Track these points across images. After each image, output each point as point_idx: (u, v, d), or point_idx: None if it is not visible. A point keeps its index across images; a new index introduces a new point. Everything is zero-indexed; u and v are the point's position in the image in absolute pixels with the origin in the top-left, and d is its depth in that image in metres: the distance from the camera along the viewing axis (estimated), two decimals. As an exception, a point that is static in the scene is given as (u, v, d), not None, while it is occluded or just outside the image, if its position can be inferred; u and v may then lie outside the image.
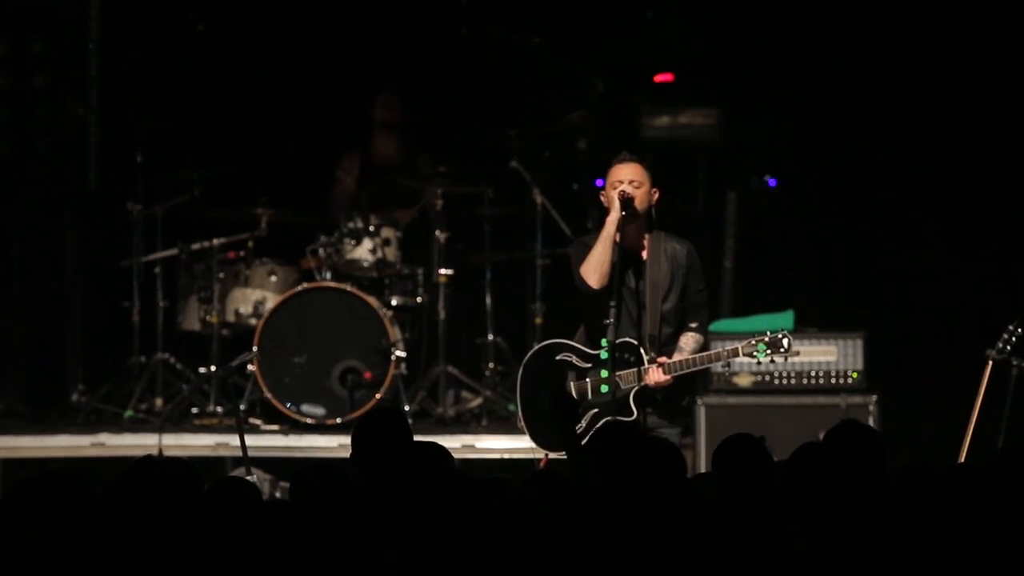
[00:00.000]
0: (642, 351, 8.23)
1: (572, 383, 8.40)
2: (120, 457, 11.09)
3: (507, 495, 5.83)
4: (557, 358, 8.46)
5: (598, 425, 8.28)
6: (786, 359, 8.44)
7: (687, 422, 8.63)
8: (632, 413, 8.23)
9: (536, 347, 8.69)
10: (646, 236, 8.42)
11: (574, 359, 8.41)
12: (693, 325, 8.45)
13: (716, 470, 6.14)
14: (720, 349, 8.50)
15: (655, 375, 8.23)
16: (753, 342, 8.35)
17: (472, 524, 5.76)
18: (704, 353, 8.50)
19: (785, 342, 8.35)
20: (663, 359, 8.29)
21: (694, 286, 8.45)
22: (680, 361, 8.31)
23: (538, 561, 5.63)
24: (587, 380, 8.36)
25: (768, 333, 8.38)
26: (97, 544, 5.61)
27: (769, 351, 8.34)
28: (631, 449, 6.08)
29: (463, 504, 5.85)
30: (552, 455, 8.53)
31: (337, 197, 12.55)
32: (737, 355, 8.40)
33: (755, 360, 8.40)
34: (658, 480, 5.90)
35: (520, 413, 8.57)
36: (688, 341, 8.43)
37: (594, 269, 8.26)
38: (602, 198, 8.41)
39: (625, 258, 8.28)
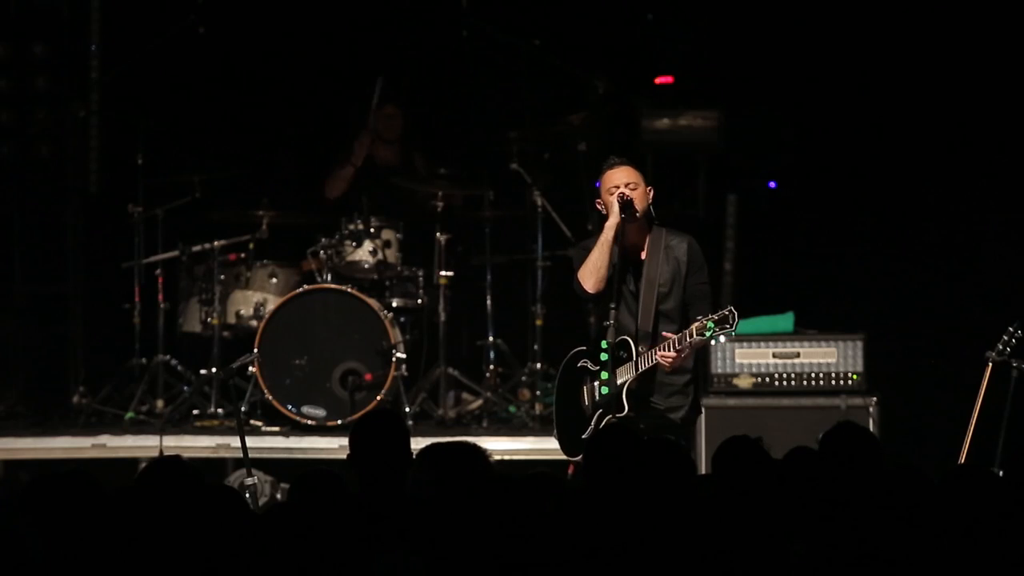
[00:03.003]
0: (632, 344, 8.24)
1: (584, 388, 8.44)
2: (121, 459, 11.11)
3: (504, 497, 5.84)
4: (578, 365, 8.50)
5: (602, 425, 8.32)
6: (731, 336, 8.34)
7: (691, 409, 8.51)
8: (624, 408, 8.24)
9: (569, 355, 8.63)
10: (647, 235, 8.43)
11: (590, 365, 8.45)
12: (700, 318, 8.44)
13: (716, 472, 6.16)
14: (677, 335, 8.33)
15: (661, 354, 8.18)
16: (703, 320, 8.22)
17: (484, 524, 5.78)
18: (672, 337, 8.33)
19: (731, 318, 8.23)
20: (667, 340, 8.22)
21: (696, 279, 8.45)
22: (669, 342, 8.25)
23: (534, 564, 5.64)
24: (594, 383, 8.38)
25: (714, 314, 8.26)
26: (106, 545, 5.63)
27: (716, 328, 8.21)
28: (637, 453, 6.09)
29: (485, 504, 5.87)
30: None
31: (338, 176, 12.42)
32: (691, 336, 8.24)
33: (706, 338, 8.25)
34: (665, 483, 5.92)
35: (555, 426, 8.64)
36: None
37: (591, 273, 8.28)
38: (598, 205, 8.42)
39: (625, 258, 8.28)
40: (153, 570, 5.60)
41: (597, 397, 8.36)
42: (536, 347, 11.85)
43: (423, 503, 6.01)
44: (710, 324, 8.15)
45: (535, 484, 5.94)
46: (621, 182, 8.32)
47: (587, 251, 8.39)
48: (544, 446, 10.76)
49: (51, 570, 5.53)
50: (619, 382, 8.25)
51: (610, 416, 8.24)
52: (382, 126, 12.53)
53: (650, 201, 8.42)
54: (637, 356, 8.22)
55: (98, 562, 5.59)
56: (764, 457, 6.16)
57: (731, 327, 8.19)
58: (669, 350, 8.17)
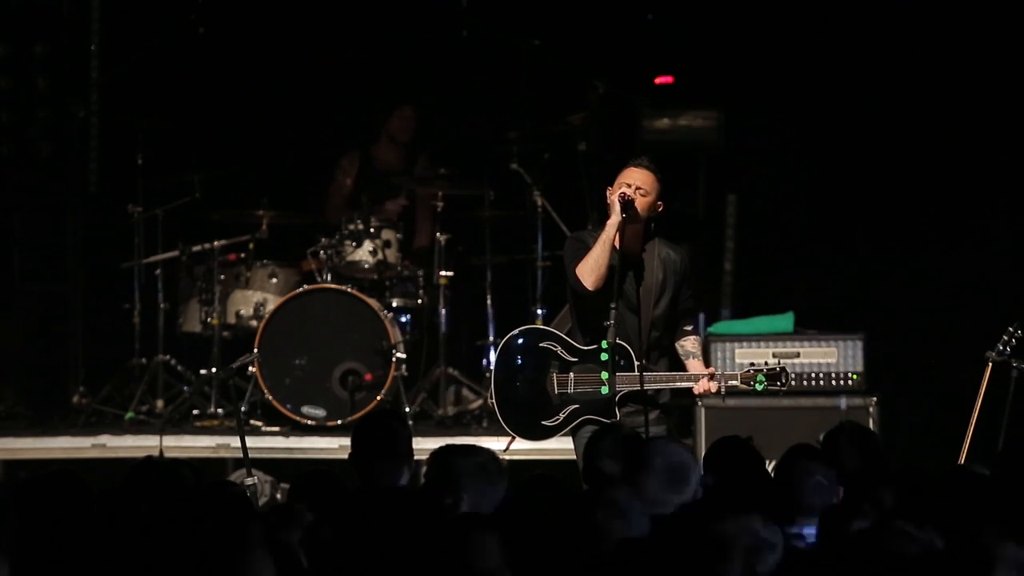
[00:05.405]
0: (632, 355, 8.22)
1: (554, 374, 8.36)
2: (121, 459, 11.10)
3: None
4: (541, 345, 8.41)
5: (576, 422, 8.29)
6: (783, 391, 8.47)
7: (672, 422, 8.59)
8: (615, 415, 8.22)
9: (519, 329, 8.55)
10: (643, 242, 8.39)
11: (559, 350, 8.35)
12: (688, 328, 8.47)
13: (708, 472, 6.16)
14: (726, 375, 8.46)
15: (705, 384, 8.24)
16: (752, 372, 8.35)
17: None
18: (719, 374, 8.44)
19: (783, 377, 8.35)
20: (712, 370, 8.33)
21: (687, 292, 8.45)
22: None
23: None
24: (570, 374, 8.32)
25: (766, 365, 8.39)
26: (96, 546, 5.62)
27: (767, 383, 8.34)
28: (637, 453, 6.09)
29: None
30: (519, 439, 8.53)
31: (333, 195, 12.57)
32: (735, 379, 8.38)
33: (751, 387, 8.40)
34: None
35: (493, 391, 8.52)
36: (696, 345, 8.47)
37: (591, 271, 8.23)
38: (608, 195, 8.36)
39: (622, 262, 8.26)
40: (141, 570, 5.60)
41: (571, 390, 8.31)
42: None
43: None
44: (761, 378, 8.25)
45: (535, 486, 5.95)
46: (633, 183, 8.25)
47: (580, 242, 8.32)
48: (544, 446, 10.72)
49: (40, 571, 5.53)
50: (616, 389, 8.23)
51: (592, 417, 8.24)
52: (398, 127, 12.55)
53: (655, 214, 8.35)
54: (640, 370, 8.19)
55: (86, 562, 5.59)
56: (755, 456, 6.16)
57: (783, 385, 8.28)
58: (713, 384, 8.21)
